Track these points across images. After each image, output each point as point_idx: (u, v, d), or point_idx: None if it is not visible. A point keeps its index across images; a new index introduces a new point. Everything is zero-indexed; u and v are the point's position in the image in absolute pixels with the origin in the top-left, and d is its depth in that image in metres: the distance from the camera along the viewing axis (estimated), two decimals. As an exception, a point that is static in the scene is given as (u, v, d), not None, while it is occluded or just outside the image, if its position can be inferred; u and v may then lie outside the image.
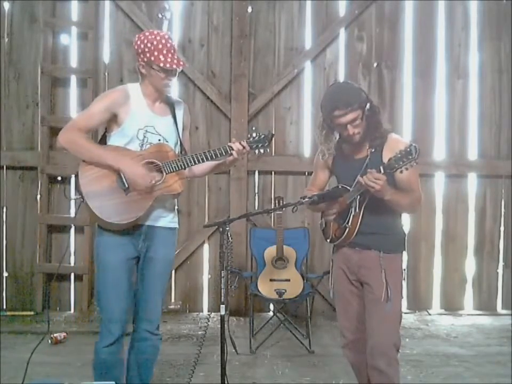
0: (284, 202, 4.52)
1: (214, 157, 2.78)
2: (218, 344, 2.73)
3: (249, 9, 5.52)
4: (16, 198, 5.43)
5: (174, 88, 5.49)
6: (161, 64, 2.65)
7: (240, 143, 2.80)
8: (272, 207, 5.17)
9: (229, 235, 2.72)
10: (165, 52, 2.65)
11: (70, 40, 5.45)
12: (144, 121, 2.74)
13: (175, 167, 2.72)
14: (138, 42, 2.69)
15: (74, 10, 5.46)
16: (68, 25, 5.46)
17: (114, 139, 2.74)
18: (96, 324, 4.94)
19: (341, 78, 5.63)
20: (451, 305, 5.68)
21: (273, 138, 2.89)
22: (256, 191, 5.60)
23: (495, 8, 5.66)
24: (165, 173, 2.71)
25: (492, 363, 4.16)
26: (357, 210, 2.62)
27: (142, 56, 2.69)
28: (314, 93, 5.60)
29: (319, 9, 5.58)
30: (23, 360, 3.82)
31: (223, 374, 2.73)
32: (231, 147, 2.78)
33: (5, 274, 5.39)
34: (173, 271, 5.52)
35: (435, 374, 3.93)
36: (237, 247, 5.16)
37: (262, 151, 2.85)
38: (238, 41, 5.46)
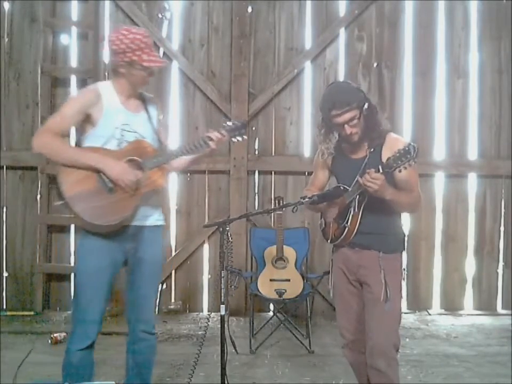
0: (284, 202, 4.52)
1: (194, 150, 2.72)
2: (218, 344, 2.73)
3: (249, 9, 5.52)
4: (16, 198, 5.43)
5: (174, 88, 5.55)
6: (145, 64, 2.61)
7: (218, 132, 2.72)
8: (272, 207, 5.17)
9: (229, 235, 2.71)
10: (147, 51, 2.61)
11: (70, 40, 5.45)
12: (120, 119, 2.68)
13: (155, 162, 2.66)
14: (118, 42, 2.60)
15: (74, 10, 5.47)
16: (68, 25, 5.46)
17: (90, 140, 2.67)
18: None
19: (341, 78, 5.62)
20: (451, 305, 5.68)
21: (247, 126, 2.87)
22: (256, 191, 5.60)
23: (495, 8, 5.66)
24: (147, 169, 2.65)
25: (492, 363, 4.16)
26: (356, 210, 2.62)
27: (121, 56, 2.61)
28: (314, 93, 5.60)
29: (319, 9, 5.58)
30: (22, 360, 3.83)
31: (223, 374, 2.72)
32: (210, 137, 2.71)
33: (5, 274, 5.40)
34: (173, 271, 5.53)
35: (435, 374, 3.92)
36: (237, 247, 5.16)
37: (239, 138, 2.79)
38: (238, 41, 5.47)
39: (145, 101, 2.82)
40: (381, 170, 2.44)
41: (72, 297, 2.82)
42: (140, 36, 2.61)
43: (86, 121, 2.67)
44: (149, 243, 2.75)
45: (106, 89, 2.72)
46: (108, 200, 2.60)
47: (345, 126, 2.58)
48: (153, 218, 2.78)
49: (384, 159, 2.51)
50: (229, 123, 2.78)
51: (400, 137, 2.74)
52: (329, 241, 2.81)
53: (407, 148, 2.38)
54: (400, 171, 2.43)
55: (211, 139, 2.70)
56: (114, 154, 2.64)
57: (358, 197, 2.59)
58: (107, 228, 2.62)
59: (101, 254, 2.66)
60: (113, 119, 2.67)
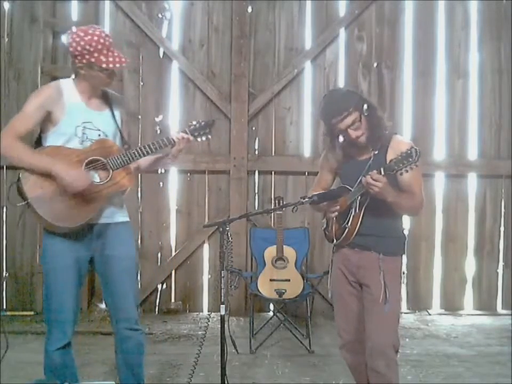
0: (284, 202, 4.51)
1: (159, 148, 2.70)
2: (218, 344, 2.72)
3: (249, 9, 5.52)
4: (16, 198, 5.41)
5: (174, 88, 5.55)
6: (104, 65, 2.56)
7: (181, 133, 2.73)
8: (272, 207, 5.17)
9: (229, 235, 2.71)
10: (105, 52, 2.55)
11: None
12: (81, 117, 2.63)
13: (121, 162, 2.62)
14: (74, 45, 2.54)
15: (74, 10, 5.46)
16: (68, 25, 5.44)
17: (52, 139, 2.62)
18: (96, 323, 4.97)
19: (341, 78, 5.63)
20: (451, 305, 5.68)
21: (214, 124, 2.83)
22: (256, 191, 5.59)
23: (495, 8, 5.66)
24: (111, 170, 2.61)
25: (492, 363, 4.16)
26: (357, 211, 2.62)
27: (79, 58, 2.56)
28: (314, 93, 5.60)
29: (319, 9, 5.58)
30: (23, 360, 3.84)
31: (223, 374, 2.72)
32: (173, 137, 2.71)
33: (5, 274, 5.39)
34: (173, 271, 5.53)
35: (435, 374, 3.92)
36: (237, 247, 5.16)
37: (204, 138, 2.80)
38: (238, 41, 5.46)
39: (109, 99, 2.77)
40: (382, 173, 2.44)
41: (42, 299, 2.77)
42: (97, 37, 2.54)
43: (47, 119, 2.61)
44: (115, 240, 2.71)
45: (68, 86, 2.66)
46: (71, 201, 2.56)
47: (349, 130, 2.59)
48: (117, 216, 2.75)
49: (388, 161, 2.52)
50: (194, 123, 2.77)
51: (405, 140, 2.74)
52: (330, 241, 2.81)
53: (409, 151, 2.39)
54: (401, 174, 2.44)
55: (174, 139, 2.70)
56: (77, 153, 2.60)
57: (359, 197, 2.59)
58: (70, 229, 2.59)
59: (65, 254, 2.63)
60: (75, 117, 2.61)
